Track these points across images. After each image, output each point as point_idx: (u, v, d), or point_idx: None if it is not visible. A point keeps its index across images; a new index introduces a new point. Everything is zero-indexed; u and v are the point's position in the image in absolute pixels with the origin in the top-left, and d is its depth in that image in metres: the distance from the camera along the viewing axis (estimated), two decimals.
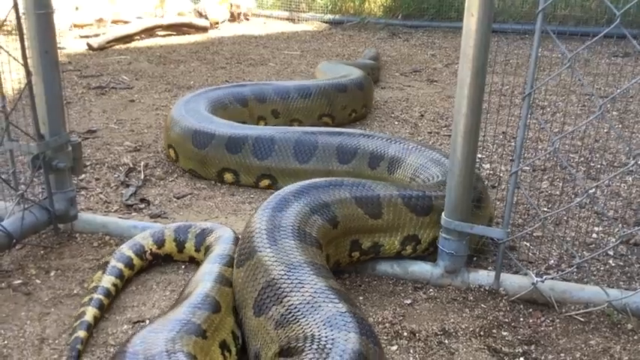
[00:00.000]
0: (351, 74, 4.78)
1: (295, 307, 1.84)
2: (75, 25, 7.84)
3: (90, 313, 2.20)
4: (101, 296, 2.28)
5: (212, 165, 3.50)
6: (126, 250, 2.52)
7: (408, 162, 3.15)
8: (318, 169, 3.35)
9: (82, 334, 2.10)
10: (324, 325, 1.75)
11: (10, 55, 2.43)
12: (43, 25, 2.47)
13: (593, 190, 3.43)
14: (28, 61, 2.48)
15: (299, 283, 1.93)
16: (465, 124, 2.28)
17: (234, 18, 8.79)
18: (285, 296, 1.88)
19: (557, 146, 2.22)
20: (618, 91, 2.94)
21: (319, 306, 1.82)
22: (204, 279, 2.15)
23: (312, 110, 4.42)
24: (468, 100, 2.24)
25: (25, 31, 2.44)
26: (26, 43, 2.46)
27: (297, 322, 1.79)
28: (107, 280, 2.36)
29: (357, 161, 3.35)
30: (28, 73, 2.45)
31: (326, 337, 1.70)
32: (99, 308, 2.24)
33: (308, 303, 1.84)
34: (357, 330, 1.73)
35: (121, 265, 2.44)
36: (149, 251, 2.57)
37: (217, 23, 8.55)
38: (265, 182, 3.46)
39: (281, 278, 1.96)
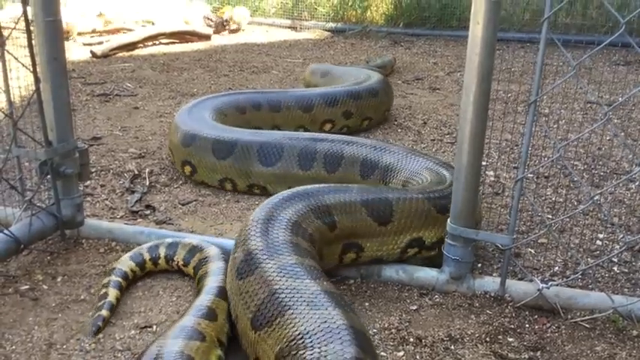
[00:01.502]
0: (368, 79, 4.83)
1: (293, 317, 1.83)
2: (79, 33, 7.87)
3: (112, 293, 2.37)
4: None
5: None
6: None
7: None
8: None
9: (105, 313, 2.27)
10: (319, 335, 1.74)
11: (18, 61, 2.45)
12: (51, 33, 2.48)
13: (597, 197, 3.44)
14: (37, 68, 2.50)
15: (295, 290, 1.93)
16: (470, 130, 2.29)
17: (220, 29, 8.78)
18: (284, 306, 1.88)
19: (561, 153, 2.22)
20: (622, 99, 2.96)
21: (315, 313, 1.82)
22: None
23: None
24: (474, 107, 2.26)
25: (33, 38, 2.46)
26: (34, 50, 2.48)
27: (293, 329, 1.79)
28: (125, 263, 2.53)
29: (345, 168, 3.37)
30: (37, 80, 2.47)
31: (319, 350, 1.69)
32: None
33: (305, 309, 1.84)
34: (355, 342, 1.71)
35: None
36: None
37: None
38: None
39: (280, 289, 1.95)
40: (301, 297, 1.88)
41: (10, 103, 2.61)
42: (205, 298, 2.17)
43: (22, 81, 2.82)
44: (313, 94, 4.54)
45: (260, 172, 3.43)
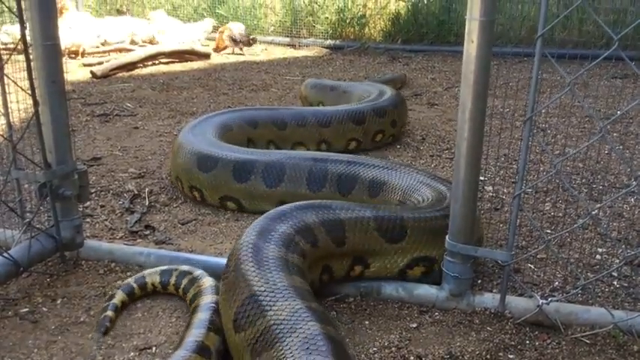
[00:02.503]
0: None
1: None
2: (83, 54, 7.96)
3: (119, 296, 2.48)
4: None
5: None
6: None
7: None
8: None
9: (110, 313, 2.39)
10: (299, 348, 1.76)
11: (17, 84, 2.47)
12: (50, 56, 2.51)
13: (596, 211, 3.44)
14: (36, 90, 2.52)
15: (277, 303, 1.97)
16: (467, 147, 2.30)
17: (220, 48, 8.86)
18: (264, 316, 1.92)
19: (559, 168, 2.24)
20: (619, 112, 2.97)
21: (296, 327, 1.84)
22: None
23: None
24: (470, 124, 2.27)
25: (32, 61, 2.48)
26: (33, 74, 2.50)
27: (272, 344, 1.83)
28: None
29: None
30: (36, 103, 2.49)
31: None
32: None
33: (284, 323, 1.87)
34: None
35: None
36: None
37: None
38: None
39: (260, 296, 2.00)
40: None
41: (10, 125, 2.63)
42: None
43: (21, 104, 2.84)
44: (365, 107, 4.65)
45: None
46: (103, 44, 8.29)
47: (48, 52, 2.49)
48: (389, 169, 3.33)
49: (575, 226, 2.97)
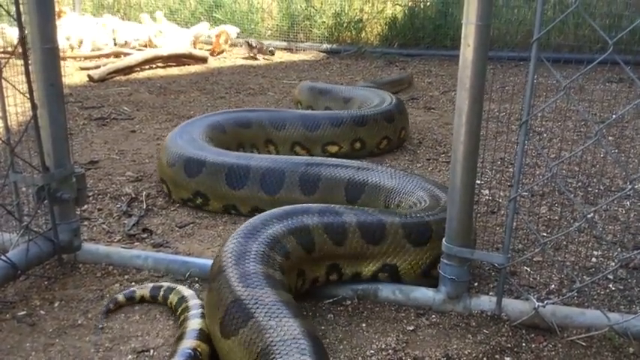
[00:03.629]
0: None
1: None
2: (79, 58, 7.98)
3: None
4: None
5: None
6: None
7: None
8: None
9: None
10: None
11: (15, 88, 2.48)
12: (48, 59, 2.52)
13: (592, 214, 3.46)
14: (34, 94, 2.52)
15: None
16: (463, 151, 2.32)
17: (217, 52, 8.87)
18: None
19: (555, 171, 2.25)
20: (614, 116, 2.99)
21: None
22: None
23: None
24: (466, 128, 2.29)
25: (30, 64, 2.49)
26: (31, 77, 2.51)
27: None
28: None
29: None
30: (34, 106, 2.50)
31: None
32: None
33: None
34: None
35: None
36: None
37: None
38: None
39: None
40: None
41: (7, 129, 2.64)
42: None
43: (19, 107, 2.85)
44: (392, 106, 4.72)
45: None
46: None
47: (46, 56, 2.50)
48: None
49: (571, 229, 2.99)
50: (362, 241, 2.59)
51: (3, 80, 2.55)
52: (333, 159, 3.64)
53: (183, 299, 2.45)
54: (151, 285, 2.59)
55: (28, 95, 2.49)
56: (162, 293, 2.54)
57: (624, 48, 7.34)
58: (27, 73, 2.48)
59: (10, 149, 2.52)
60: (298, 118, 4.50)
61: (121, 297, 2.54)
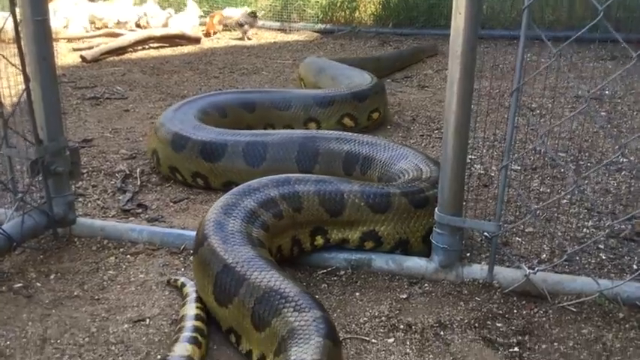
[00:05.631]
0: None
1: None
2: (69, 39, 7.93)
3: None
4: None
5: None
6: None
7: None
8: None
9: None
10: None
11: (8, 60, 2.48)
12: (40, 32, 2.51)
13: (582, 183, 3.48)
14: (27, 67, 2.52)
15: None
16: (455, 120, 2.33)
17: (211, 33, 8.82)
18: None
19: (545, 141, 2.27)
20: (607, 91, 3.01)
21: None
22: None
23: None
24: (458, 97, 2.30)
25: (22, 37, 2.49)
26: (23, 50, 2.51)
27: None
28: None
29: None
30: (27, 79, 2.49)
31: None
32: None
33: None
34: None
35: None
36: None
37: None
38: None
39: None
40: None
41: (0, 103, 2.63)
42: None
43: (11, 82, 2.85)
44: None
45: None
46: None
47: (38, 28, 2.49)
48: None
49: (562, 195, 3.02)
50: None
51: None
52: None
53: None
54: None
55: (20, 68, 2.48)
56: None
57: (618, 24, 7.34)
58: (19, 46, 2.47)
59: (4, 122, 2.52)
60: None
61: None
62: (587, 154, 4.03)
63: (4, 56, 2.50)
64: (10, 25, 2.49)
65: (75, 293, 2.46)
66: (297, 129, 4.31)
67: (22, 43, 2.49)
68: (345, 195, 2.62)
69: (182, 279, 2.45)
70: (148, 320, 2.29)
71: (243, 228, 2.33)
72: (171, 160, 3.57)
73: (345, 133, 3.63)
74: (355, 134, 3.54)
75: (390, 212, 2.61)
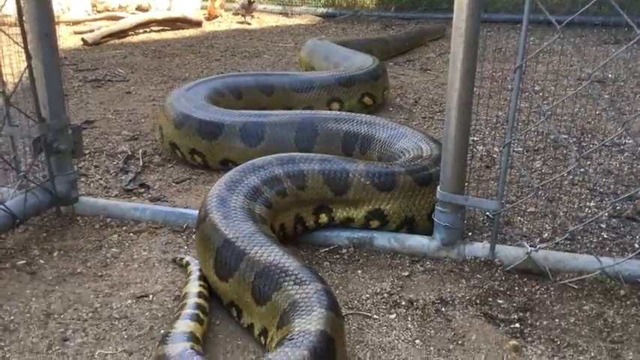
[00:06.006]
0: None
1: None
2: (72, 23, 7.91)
3: None
4: None
5: None
6: None
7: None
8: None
9: None
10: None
11: (10, 37, 2.47)
12: (41, 9, 2.50)
13: (585, 164, 3.48)
14: (28, 45, 2.51)
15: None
16: (458, 97, 2.32)
17: (212, 16, 8.78)
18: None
19: (549, 118, 2.26)
20: (611, 74, 3.00)
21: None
22: None
23: None
24: (461, 75, 2.29)
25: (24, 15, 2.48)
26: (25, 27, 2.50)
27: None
28: None
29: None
30: (29, 57, 2.49)
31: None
32: None
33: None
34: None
35: None
36: None
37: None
38: None
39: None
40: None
41: (2, 81, 2.63)
42: None
43: (13, 61, 2.84)
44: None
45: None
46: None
47: (40, 5, 2.48)
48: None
49: (566, 171, 3.01)
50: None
51: None
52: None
53: None
54: None
55: (22, 45, 2.48)
56: None
57: (627, 7, 7.29)
58: (21, 23, 2.46)
59: (6, 100, 2.52)
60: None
61: None
62: (589, 135, 4.02)
63: (5, 32, 2.49)
64: (12, 5, 2.48)
65: (78, 270, 2.47)
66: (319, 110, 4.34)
67: (24, 20, 2.48)
68: (351, 174, 2.62)
69: (187, 258, 2.46)
70: (151, 296, 2.30)
71: (246, 204, 2.34)
72: (172, 136, 3.60)
73: (343, 113, 3.64)
74: (353, 114, 3.55)
75: (396, 190, 2.61)
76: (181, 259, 2.48)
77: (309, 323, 1.74)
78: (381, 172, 2.63)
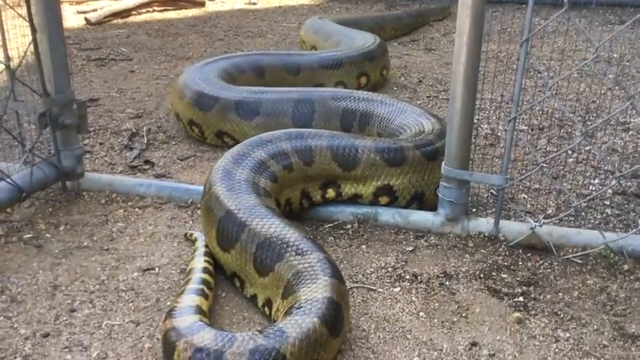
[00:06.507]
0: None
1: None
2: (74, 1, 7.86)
3: None
4: None
5: None
6: None
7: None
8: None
9: None
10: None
11: (15, 11, 2.47)
12: None
13: (590, 142, 3.47)
14: (33, 19, 2.51)
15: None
16: (464, 72, 2.32)
17: None
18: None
19: (554, 88, 2.25)
20: (611, 36, 2.98)
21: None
22: None
23: None
24: (467, 48, 2.29)
25: None
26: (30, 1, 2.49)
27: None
28: None
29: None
30: (34, 30, 2.49)
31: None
32: None
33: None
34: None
35: None
36: None
37: None
38: None
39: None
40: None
41: (7, 56, 2.63)
42: None
43: (19, 38, 2.83)
44: None
45: None
46: None
47: None
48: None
49: (571, 146, 3.01)
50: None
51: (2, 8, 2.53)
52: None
53: None
54: None
55: (27, 19, 2.47)
56: None
57: None
58: None
59: (11, 73, 2.52)
60: None
61: None
62: (594, 114, 4.01)
63: (11, 7, 2.49)
64: None
65: (84, 244, 2.49)
66: (350, 86, 4.41)
67: None
68: (360, 150, 2.62)
69: (196, 233, 2.46)
70: (157, 269, 2.31)
71: (251, 177, 2.35)
72: (177, 106, 3.66)
73: (341, 90, 3.63)
74: (351, 91, 3.56)
75: (406, 165, 2.62)
76: (191, 234, 2.49)
77: (316, 291, 1.76)
78: (390, 148, 2.64)
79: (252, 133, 3.15)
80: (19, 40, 2.66)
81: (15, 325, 2.00)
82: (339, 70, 4.43)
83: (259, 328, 1.80)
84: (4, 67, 2.58)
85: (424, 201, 2.70)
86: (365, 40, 4.85)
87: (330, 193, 2.65)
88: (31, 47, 2.54)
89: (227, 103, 3.46)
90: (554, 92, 3.04)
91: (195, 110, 3.52)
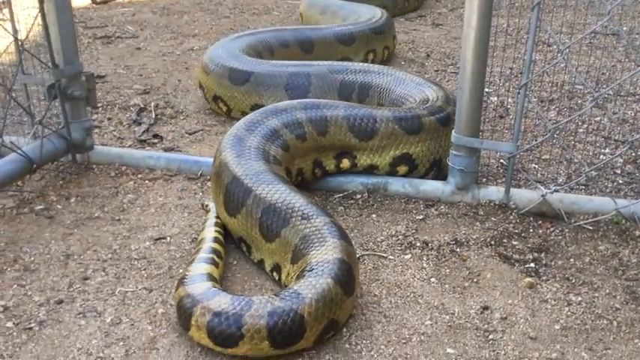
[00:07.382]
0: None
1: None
2: None
3: None
4: None
5: None
6: None
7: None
8: None
9: None
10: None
11: None
12: None
13: (601, 114, 3.45)
14: None
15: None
16: (474, 37, 2.30)
17: None
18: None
19: (566, 55, 2.23)
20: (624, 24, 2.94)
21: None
22: None
23: None
24: (478, 13, 2.26)
25: None
26: None
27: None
28: None
29: None
30: (41, 1, 2.47)
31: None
32: None
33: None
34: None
35: None
36: None
37: None
38: None
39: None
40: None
41: (15, 29, 2.62)
42: None
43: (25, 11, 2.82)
44: None
45: None
46: None
47: None
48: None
49: (583, 111, 2.99)
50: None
51: None
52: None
53: None
54: None
55: None
56: None
57: None
58: None
59: (19, 46, 2.52)
60: None
61: None
62: (604, 86, 3.98)
63: None
64: None
65: (96, 215, 2.50)
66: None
67: None
68: (378, 119, 2.60)
69: (211, 204, 2.46)
70: (168, 238, 2.32)
71: (262, 145, 2.35)
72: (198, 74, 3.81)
73: (336, 63, 3.60)
74: (347, 63, 3.55)
75: (424, 133, 2.61)
76: (207, 205, 2.48)
77: (326, 253, 1.77)
78: (407, 116, 2.62)
79: (243, 98, 3.37)
80: (26, 12, 2.65)
81: (29, 293, 2.02)
82: (350, 46, 4.44)
83: (274, 293, 1.81)
84: (12, 39, 2.57)
85: (441, 168, 2.69)
86: (373, 13, 4.81)
87: (345, 163, 2.64)
88: (39, 19, 2.53)
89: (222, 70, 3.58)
90: (565, 61, 3.01)
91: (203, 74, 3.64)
